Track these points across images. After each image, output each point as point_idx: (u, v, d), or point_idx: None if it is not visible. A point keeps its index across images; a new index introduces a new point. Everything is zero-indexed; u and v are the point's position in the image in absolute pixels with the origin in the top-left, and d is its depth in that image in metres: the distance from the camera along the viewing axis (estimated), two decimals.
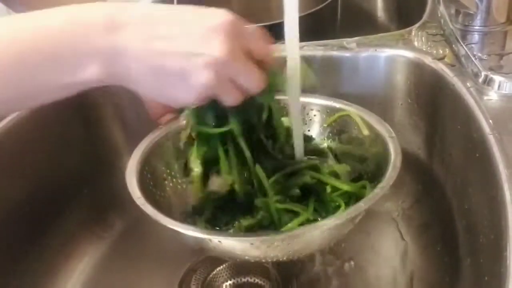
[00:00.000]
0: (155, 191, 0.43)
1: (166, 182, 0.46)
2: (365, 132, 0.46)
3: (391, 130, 0.44)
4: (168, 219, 0.37)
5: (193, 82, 0.32)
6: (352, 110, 0.47)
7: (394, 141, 0.42)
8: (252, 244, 0.36)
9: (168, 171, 0.46)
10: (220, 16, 0.32)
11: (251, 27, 0.35)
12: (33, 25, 0.31)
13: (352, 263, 0.51)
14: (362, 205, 0.37)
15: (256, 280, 0.49)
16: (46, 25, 0.31)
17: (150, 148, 0.45)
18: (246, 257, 0.39)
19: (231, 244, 0.37)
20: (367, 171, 0.45)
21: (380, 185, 0.38)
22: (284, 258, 0.39)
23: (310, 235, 0.37)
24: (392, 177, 0.39)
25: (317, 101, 0.50)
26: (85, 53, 0.31)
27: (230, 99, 0.34)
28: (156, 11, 0.33)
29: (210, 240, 0.36)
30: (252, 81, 0.34)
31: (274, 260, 0.42)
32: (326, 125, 0.49)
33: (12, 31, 0.30)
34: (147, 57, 0.31)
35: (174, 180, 0.46)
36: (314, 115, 0.50)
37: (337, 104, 0.49)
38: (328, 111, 0.49)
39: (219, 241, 0.36)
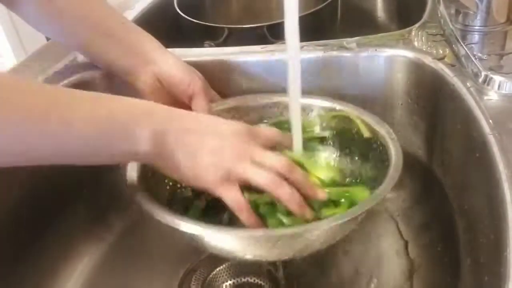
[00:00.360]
0: (157, 191, 0.43)
1: (166, 180, 0.46)
2: (366, 134, 0.46)
3: (391, 131, 0.44)
4: (166, 216, 0.37)
5: (221, 163, 0.38)
6: (352, 111, 0.47)
7: (394, 143, 0.42)
8: (254, 241, 0.36)
9: None
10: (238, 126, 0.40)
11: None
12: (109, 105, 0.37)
13: (352, 263, 0.51)
14: (364, 205, 0.37)
15: (256, 281, 0.49)
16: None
17: None
18: (247, 256, 0.39)
19: (232, 241, 0.37)
20: (368, 173, 0.45)
21: (382, 186, 0.38)
22: (285, 258, 0.39)
23: (312, 234, 0.37)
24: (394, 178, 0.39)
25: (317, 102, 0.50)
26: (142, 130, 0.37)
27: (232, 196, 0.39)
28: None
29: (211, 235, 0.36)
30: (277, 161, 0.39)
31: (275, 259, 0.42)
32: (325, 125, 0.49)
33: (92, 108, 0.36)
34: (187, 142, 0.38)
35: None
36: (314, 117, 0.50)
37: (337, 106, 0.49)
38: (328, 113, 0.49)
39: (220, 237, 0.36)
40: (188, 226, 0.36)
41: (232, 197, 0.38)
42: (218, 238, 0.38)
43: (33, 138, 0.33)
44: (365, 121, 0.46)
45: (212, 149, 0.38)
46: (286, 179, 0.38)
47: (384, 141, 0.44)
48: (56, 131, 0.34)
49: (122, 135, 0.36)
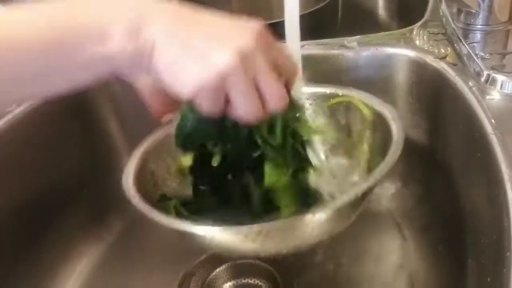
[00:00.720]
0: (155, 191, 0.43)
1: (169, 182, 0.45)
2: (368, 117, 0.44)
3: (394, 111, 0.42)
4: (160, 215, 0.36)
5: (215, 61, 0.30)
6: (354, 94, 0.46)
7: (397, 123, 0.40)
8: (248, 233, 0.35)
9: (169, 171, 0.46)
10: (254, 22, 0.33)
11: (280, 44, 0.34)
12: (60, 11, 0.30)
13: (354, 264, 0.51)
14: (365, 185, 0.35)
15: (256, 281, 0.49)
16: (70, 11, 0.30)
17: (150, 147, 0.44)
18: (241, 249, 0.38)
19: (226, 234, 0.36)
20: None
21: (382, 165, 0.36)
22: (282, 250, 0.38)
23: (310, 222, 0.35)
24: (395, 152, 0.37)
25: (317, 89, 0.48)
26: (112, 20, 0.30)
27: (247, 104, 0.32)
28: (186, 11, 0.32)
29: (205, 233, 0.36)
30: (275, 92, 0.32)
31: (272, 252, 0.41)
32: (327, 111, 0.48)
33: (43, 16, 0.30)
34: (174, 31, 0.30)
35: (175, 180, 0.46)
36: (317, 104, 0.49)
37: (339, 91, 0.47)
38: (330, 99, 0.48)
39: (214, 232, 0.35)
40: (183, 225, 0.36)
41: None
42: (217, 236, 0.37)
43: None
44: (367, 104, 0.45)
45: (207, 42, 0.30)
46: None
47: (387, 122, 0.42)
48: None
49: (88, 33, 0.29)
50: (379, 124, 0.43)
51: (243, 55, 0.30)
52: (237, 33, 0.31)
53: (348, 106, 0.47)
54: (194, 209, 0.42)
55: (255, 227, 0.34)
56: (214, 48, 0.30)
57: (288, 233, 0.36)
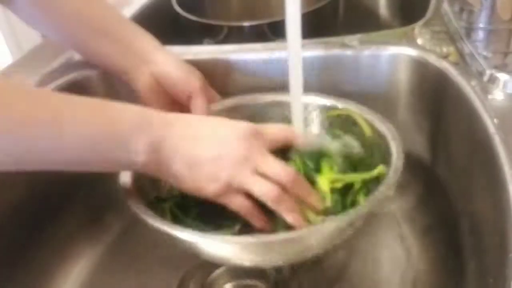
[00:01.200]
0: (152, 191, 0.43)
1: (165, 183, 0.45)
2: (368, 133, 0.45)
3: (394, 130, 0.43)
4: (159, 222, 0.36)
5: (221, 172, 0.37)
6: (355, 109, 0.47)
7: (396, 143, 0.41)
8: (247, 247, 0.36)
9: None
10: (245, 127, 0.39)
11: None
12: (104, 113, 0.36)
13: (355, 265, 0.51)
14: (360, 209, 0.36)
15: (256, 283, 0.48)
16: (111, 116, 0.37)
17: None
18: (243, 262, 0.38)
19: (226, 246, 0.37)
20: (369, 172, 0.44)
21: (381, 188, 0.37)
22: (280, 263, 0.39)
23: (309, 238, 0.36)
24: (393, 180, 0.38)
25: (319, 100, 0.49)
26: (138, 140, 0.36)
27: (263, 191, 0.37)
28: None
29: (203, 242, 0.36)
30: (281, 171, 0.37)
31: (270, 264, 0.41)
32: (327, 123, 0.49)
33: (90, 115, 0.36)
34: (184, 150, 0.37)
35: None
36: (316, 116, 0.49)
37: (339, 104, 0.48)
38: (330, 111, 0.48)
39: (214, 245, 0.36)
40: (183, 234, 0.36)
41: (238, 205, 0.38)
42: (211, 246, 0.37)
43: (22, 141, 0.32)
44: (367, 120, 0.45)
45: (210, 158, 0.36)
46: (288, 189, 0.37)
47: (386, 141, 0.43)
48: (46, 136, 0.33)
49: (116, 145, 0.35)
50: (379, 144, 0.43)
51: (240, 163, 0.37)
52: (232, 162, 0.37)
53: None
54: (189, 211, 0.42)
55: (256, 239, 0.35)
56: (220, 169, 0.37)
57: (289, 246, 0.37)
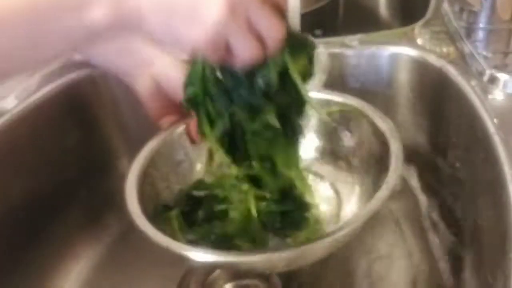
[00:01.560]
0: (158, 201, 0.43)
1: (170, 190, 0.45)
2: (367, 129, 0.45)
3: (394, 128, 0.43)
4: (165, 239, 0.37)
5: (205, 17, 0.30)
6: (355, 104, 0.46)
7: (396, 141, 0.41)
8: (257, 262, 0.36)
9: (170, 178, 0.45)
10: None
11: None
12: None
13: (354, 264, 0.51)
14: (359, 218, 0.36)
15: (257, 283, 0.48)
16: None
17: (151, 155, 0.44)
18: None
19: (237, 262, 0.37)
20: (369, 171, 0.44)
21: (379, 192, 0.37)
22: (286, 269, 0.39)
23: (310, 253, 0.37)
24: (392, 180, 0.38)
25: (318, 95, 0.48)
26: None
27: (246, 48, 0.31)
28: None
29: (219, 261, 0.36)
30: (272, 27, 0.32)
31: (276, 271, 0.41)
32: (326, 118, 0.48)
33: None
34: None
35: (177, 186, 0.46)
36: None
37: (338, 99, 0.47)
38: (329, 106, 0.48)
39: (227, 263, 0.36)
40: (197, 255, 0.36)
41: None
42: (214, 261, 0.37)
43: None
44: (368, 117, 0.45)
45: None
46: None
47: (385, 139, 0.42)
48: None
49: (67, 3, 0.30)
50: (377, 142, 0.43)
51: (230, 3, 0.29)
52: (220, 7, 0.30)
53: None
54: (195, 220, 0.42)
55: (266, 256, 0.35)
56: (201, 2, 0.30)
57: (298, 258, 0.37)
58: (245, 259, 0.36)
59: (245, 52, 0.32)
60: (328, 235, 0.36)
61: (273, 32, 0.32)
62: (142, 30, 0.31)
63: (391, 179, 0.38)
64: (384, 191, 0.37)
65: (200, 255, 0.36)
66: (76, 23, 0.30)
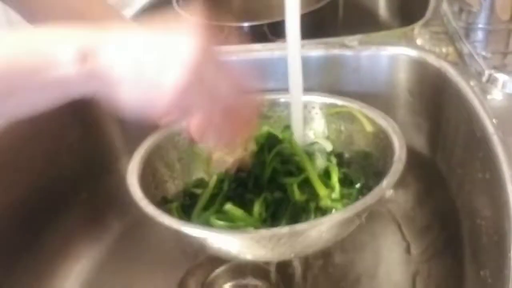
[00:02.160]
0: (157, 193, 0.43)
1: (168, 184, 0.45)
2: (369, 128, 0.45)
3: (395, 125, 0.43)
4: (169, 219, 0.36)
5: (166, 80, 0.31)
6: (354, 106, 0.47)
7: (398, 135, 0.42)
8: (258, 240, 0.36)
9: (170, 172, 0.46)
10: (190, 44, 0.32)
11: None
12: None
13: (354, 264, 0.51)
14: (368, 200, 0.36)
15: (256, 282, 0.48)
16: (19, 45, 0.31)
17: (151, 149, 0.44)
18: (248, 256, 0.38)
19: (236, 241, 0.37)
20: (372, 168, 0.44)
21: (385, 180, 0.38)
22: (289, 256, 0.39)
23: (317, 230, 0.37)
24: (397, 171, 0.38)
25: (318, 99, 0.49)
26: (63, 45, 0.31)
27: (204, 111, 0.33)
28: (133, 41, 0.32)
29: (217, 239, 0.36)
30: (231, 87, 0.33)
31: (277, 259, 0.41)
32: (327, 120, 0.49)
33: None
34: (128, 54, 0.31)
35: (176, 181, 0.46)
36: (316, 114, 0.50)
37: (339, 101, 0.48)
38: (330, 109, 0.49)
39: (227, 240, 0.36)
40: (190, 230, 0.36)
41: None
42: (219, 241, 0.37)
43: None
44: (367, 115, 0.45)
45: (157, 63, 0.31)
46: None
47: (388, 134, 0.43)
48: None
49: (38, 58, 0.30)
50: (381, 139, 0.43)
51: (188, 67, 0.31)
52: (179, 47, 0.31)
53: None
54: (195, 211, 0.43)
55: (269, 232, 0.35)
56: (164, 67, 0.31)
57: (299, 239, 0.37)
58: (245, 236, 0.36)
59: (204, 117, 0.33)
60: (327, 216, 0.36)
61: (233, 90, 0.33)
62: (112, 89, 0.32)
63: (396, 168, 0.39)
64: (386, 183, 0.38)
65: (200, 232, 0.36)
66: (50, 78, 0.31)
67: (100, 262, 0.54)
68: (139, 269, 0.53)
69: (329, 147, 0.48)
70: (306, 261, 0.49)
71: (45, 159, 0.51)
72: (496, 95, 0.44)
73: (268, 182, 0.43)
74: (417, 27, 0.56)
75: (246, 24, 0.64)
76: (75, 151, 0.55)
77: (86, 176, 0.55)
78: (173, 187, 0.46)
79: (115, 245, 0.56)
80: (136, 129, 0.57)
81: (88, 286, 0.52)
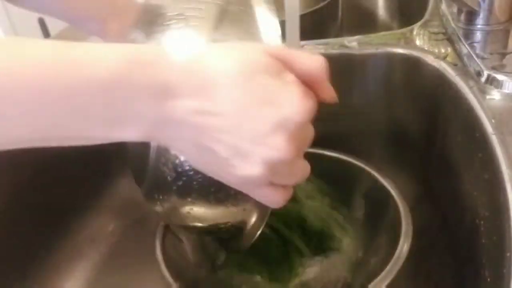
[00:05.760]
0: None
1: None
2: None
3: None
4: None
5: (241, 172, 0.27)
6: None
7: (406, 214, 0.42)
8: None
9: None
10: (293, 104, 0.26)
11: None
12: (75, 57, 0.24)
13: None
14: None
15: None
16: (93, 63, 0.24)
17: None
18: None
19: None
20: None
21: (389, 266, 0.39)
22: None
23: None
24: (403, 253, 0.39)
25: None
26: (126, 115, 0.25)
27: (277, 199, 0.30)
28: (216, 79, 0.26)
29: None
30: (300, 176, 0.30)
31: None
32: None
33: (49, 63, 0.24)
34: (193, 134, 0.26)
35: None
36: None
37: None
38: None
39: None
40: None
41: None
42: None
43: None
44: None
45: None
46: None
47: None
48: None
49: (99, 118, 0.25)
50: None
51: (270, 168, 0.26)
52: (269, 137, 0.26)
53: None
54: None
55: None
56: (238, 161, 0.27)
57: None
58: None
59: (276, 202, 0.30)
60: None
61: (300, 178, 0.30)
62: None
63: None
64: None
65: None
66: (103, 135, 0.26)
67: (100, 262, 0.54)
68: (140, 269, 0.53)
69: None
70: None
71: (45, 159, 0.51)
72: (495, 95, 0.44)
73: None
74: (416, 28, 0.56)
75: None
76: (74, 151, 0.54)
77: (86, 176, 0.55)
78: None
79: (115, 245, 0.56)
80: None
81: (88, 286, 0.52)
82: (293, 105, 0.26)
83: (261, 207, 0.34)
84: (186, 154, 0.30)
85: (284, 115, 0.26)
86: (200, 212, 0.35)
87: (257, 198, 0.30)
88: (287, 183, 0.30)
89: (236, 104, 0.26)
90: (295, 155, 0.27)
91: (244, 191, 0.29)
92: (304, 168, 0.30)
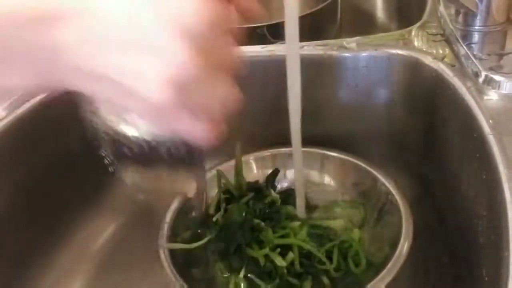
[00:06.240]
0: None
1: None
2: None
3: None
4: None
5: (144, 94, 0.24)
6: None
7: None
8: None
9: None
10: (192, 8, 0.23)
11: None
12: None
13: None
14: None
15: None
16: None
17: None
18: None
19: None
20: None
21: (389, 265, 0.39)
22: None
23: None
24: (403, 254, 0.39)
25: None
26: (12, 53, 0.24)
27: (198, 132, 0.26)
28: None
29: None
30: (228, 98, 0.26)
31: None
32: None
33: None
34: (85, 62, 0.24)
35: None
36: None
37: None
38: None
39: None
40: None
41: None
42: None
43: None
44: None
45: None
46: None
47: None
48: None
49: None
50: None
51: (176, 83, 0.23)
52: (167, 49, 0.23)
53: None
54: None
55: None
56: (135, 77, 0.23)
57: None
58: None
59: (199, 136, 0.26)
60: None
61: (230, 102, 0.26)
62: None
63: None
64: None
65: None
66: (40, 39, 0.23)
67: (100, 262, 0.54)
68: (140, 268, 0.53)
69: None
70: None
71: (45, 159, 0.51)
72: (493, 96, 0.44)
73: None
74: (414, 29, 0.57)
75: (245, 25, 0.64)
76: (73, 151, 0.55)
77: (86, 175, 0.55)
78: None
79: (115, 245, 0.56)
80: None
81: (88, 286, 0.52)
82: (192, 10, 0.23)
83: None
84: (90, 92, 0.26)
85: (182, 19, 0.22)
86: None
87: (182, 134, 0.26)
88: (208, 109, 0.25)
89: (126, 12, 0.23)
90: (205, 70, 0.23)
91: (163, 125, 0.26)
92: (227, 91, 0.26)
